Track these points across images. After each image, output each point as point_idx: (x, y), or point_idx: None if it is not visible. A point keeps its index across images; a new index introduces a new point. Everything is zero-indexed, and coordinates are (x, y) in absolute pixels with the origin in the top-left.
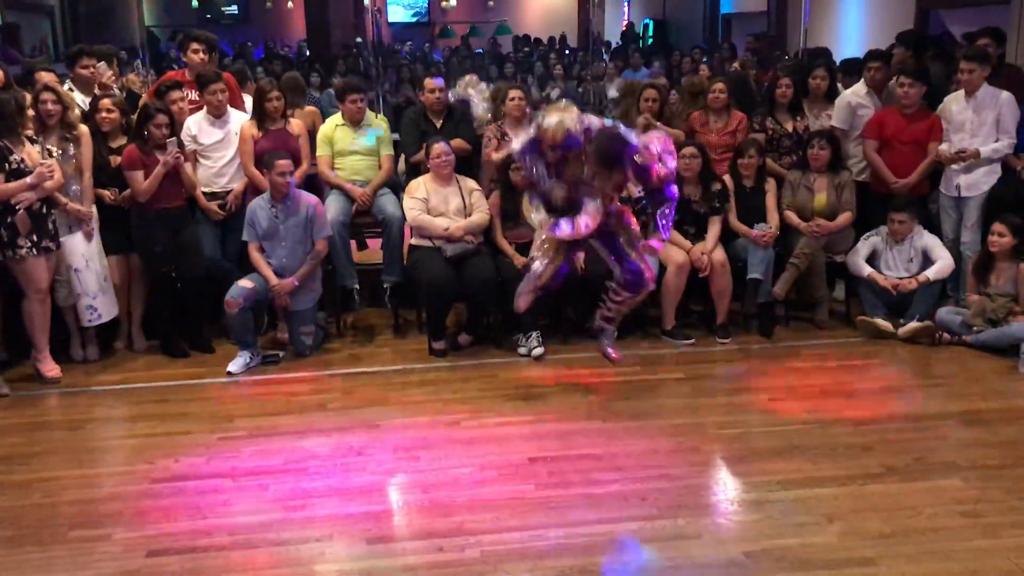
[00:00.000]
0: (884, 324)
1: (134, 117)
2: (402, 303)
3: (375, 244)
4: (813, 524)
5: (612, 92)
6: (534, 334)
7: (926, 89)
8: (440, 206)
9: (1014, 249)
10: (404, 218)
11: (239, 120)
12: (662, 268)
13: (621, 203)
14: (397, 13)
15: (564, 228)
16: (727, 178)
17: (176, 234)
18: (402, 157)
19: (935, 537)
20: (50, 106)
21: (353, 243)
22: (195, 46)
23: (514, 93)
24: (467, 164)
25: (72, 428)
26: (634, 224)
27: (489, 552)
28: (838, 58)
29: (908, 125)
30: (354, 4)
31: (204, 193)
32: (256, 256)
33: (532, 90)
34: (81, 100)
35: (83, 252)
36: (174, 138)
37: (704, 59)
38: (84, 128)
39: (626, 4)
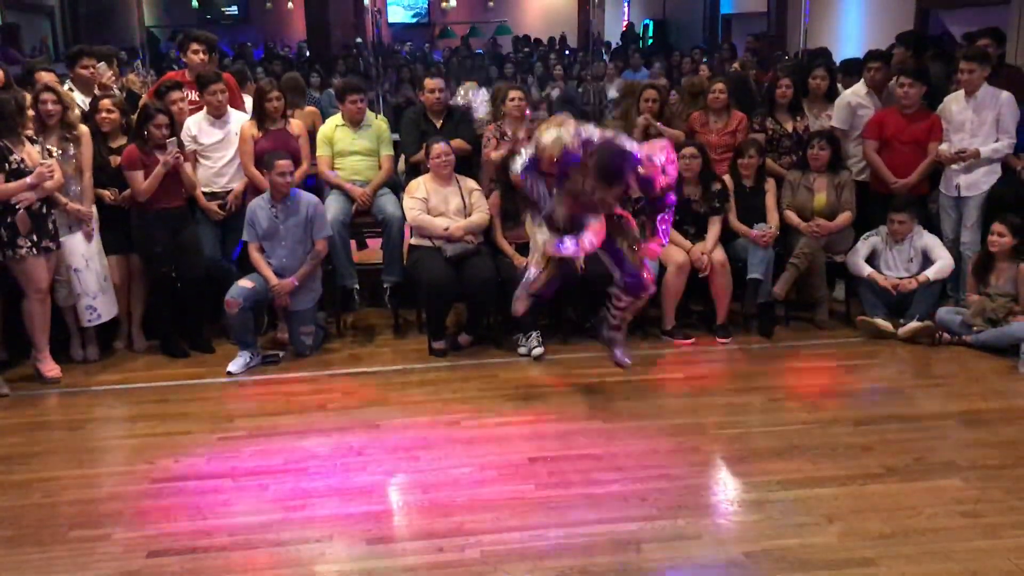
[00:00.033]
0: (884, 324)
1: (134, 117)
2: (402, 303)
3: (375, 244)
4: (813, 524)
5: (612, 92)
6: (534, 334)
7: (926, 89)
8: (440, 206)
9: (1014, 249)
10: (404, 218)
11: (239, 120)
12: (662, 268)
13: (621, 205)
14: (397, 13)
15: (569, 247)
16: (727, 178)
17: (176, 234)
18: (402, 157)
19: (935, 537)
20: (50, 106)
21: (353, 243)
22: (195, 46)
23: (514, 94)
24: (467, 164)
25: (72, 428)
26: (634, 228)
27: (489, 552)
28: (838, 58)
29: (908, 125)
30: (354, 4)
31: (204, 193)
32: (256, 256)
33: (532, 90)
34: (81, 100)
35: (83, 252)
36: (174, 138)
37: (704, 59)
38: (84, 128)
39: (626, 4)
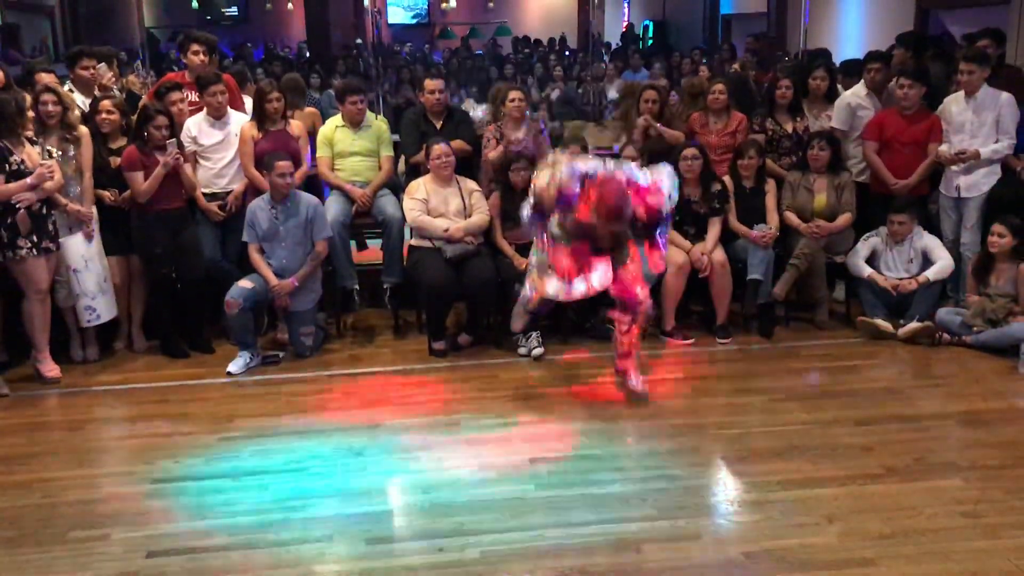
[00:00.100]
0: (884, 325)
1: (134, 118)
2: (402, 304)
3: (375, 245)
4: (813, 524)
5: (612, 93)
6: (534, 334)
7: (926, 90)
8: (440, 207)
9: (1014, 250)
10: (404, 219)
11: (239, 121)
12: None
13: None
14: (397, 14)
15: (580, 289)
16: (727, 179)
17: (176, 235)
18: (402, 158)
19: (935, 537)
20: (50, 107)
21: (353, 244)
22: (195, 47)
23: (514, 94)
24: (467, 165)
25: (72, 428)
26: (631, 246)
27: (489, 552)
28: (838, 59)
29: (908, 126)
30: (354, 5)
31: (204, 194)
32: (256, 257)
33: (532, 91)
34: (81, 101)
35: (83, 253)
36: (174, 139)
37: (704, 60)
38: (84, 129)
39: (626, 5)
